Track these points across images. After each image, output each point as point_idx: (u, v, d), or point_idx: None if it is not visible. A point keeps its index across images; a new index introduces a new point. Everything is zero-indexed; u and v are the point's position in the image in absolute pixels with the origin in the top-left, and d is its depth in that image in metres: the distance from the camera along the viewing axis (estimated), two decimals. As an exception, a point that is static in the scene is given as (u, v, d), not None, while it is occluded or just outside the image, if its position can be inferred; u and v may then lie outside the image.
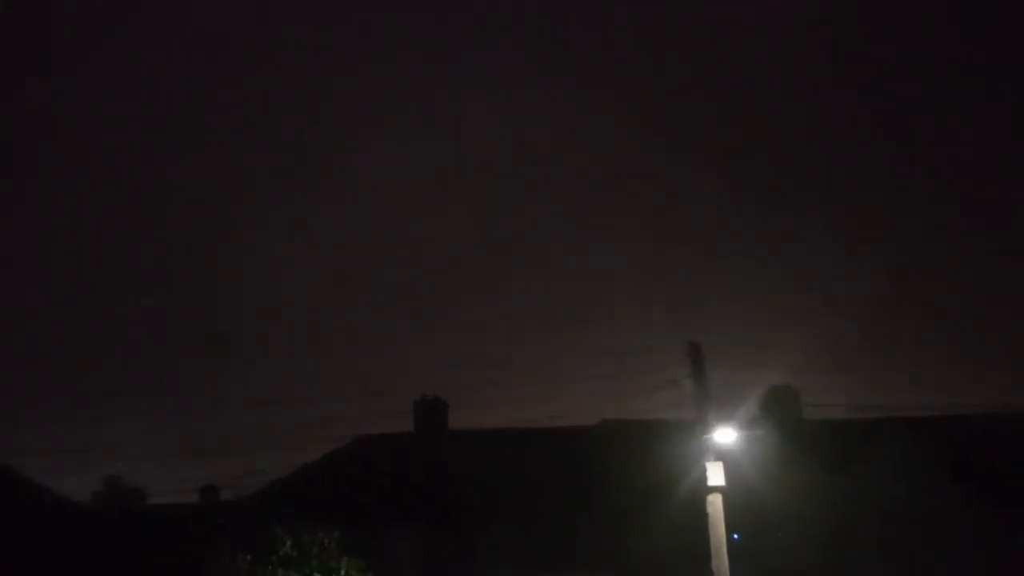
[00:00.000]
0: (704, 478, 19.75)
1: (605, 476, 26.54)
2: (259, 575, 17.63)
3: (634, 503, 25.65)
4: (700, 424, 20.02)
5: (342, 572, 18.12)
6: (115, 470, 31.35)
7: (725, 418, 20.36)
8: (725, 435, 20.08)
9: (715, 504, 19.69)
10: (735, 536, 21.00)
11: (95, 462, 28.90)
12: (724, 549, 19.58)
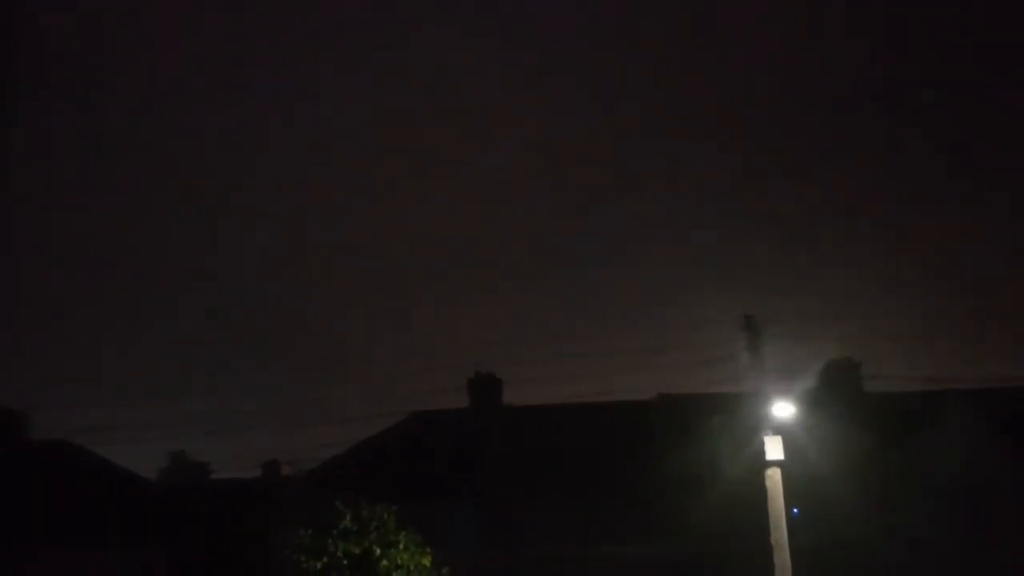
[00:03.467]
0: (762, 452, 19.66)
1: (661, 450, 26.46)
2: (319, 549, 17.93)
3: (691, 477, 25.55)
4: (757, 398, 19.89)
5: (401, 546, 18.34)
6: (181, 445, 32.01)
7: (783, 392, 20.21)
8: (783, 409, 19.94)
9: (773, 478, 19.60)
10: (794, 510, 20.86)
11: (163, 439, 29.58)
12: (783, 523, 19.50)
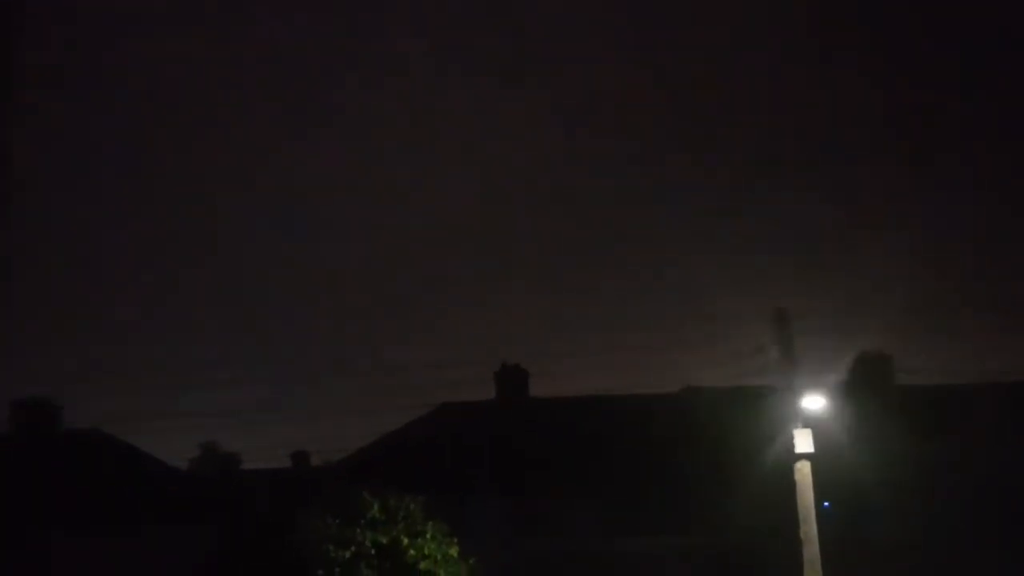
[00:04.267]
0: (791, 445, 19.50)
1: (689, 443, 26.33)
2: (347, 539, 18.02)
3: (719, 470, 25.40)
4: (787, 390, 19.73)
5: (428, 536, 18.39)
6: (211, 436, 32.28)
7: (813, 384, 20.03)
8: (813, 401, 19.77)
9: (803, 471, 19.44)
10: (825, 504, 20.69)
11: (193, 429, 29.83)
12: (813, 516, 19.33)
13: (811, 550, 19.28)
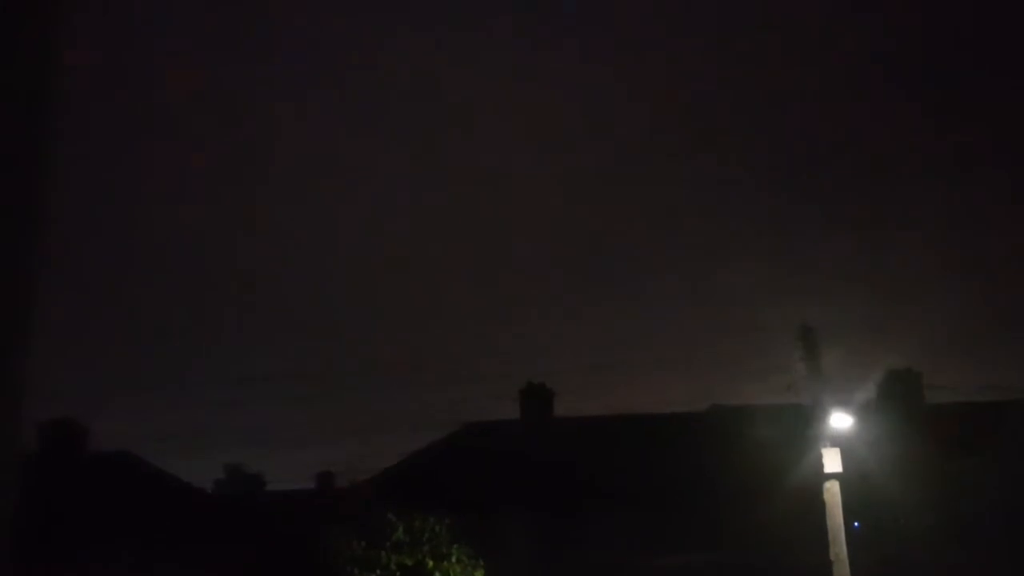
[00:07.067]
0: (820, 464, 19.30)
1: (716, 462, 26.10)
2: (372, 561, 17.97)
3: (747, 490, 25.15)
4: (814, 409, 19.54)
5: (453, 558, 18.32)
6: (236, 457, 32.45)
7: (841, 403, 19.84)
8: (841, 420, 19.57)
9: (832, 491, 19.23)
10: (855, 524, 20.42)
11: (217, 448, 30.01)
12: (842, 536, 19.11)
13: (841, 571, 19.04)
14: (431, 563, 18.04)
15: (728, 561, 24.62)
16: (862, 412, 21.15)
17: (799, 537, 21.47)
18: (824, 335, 20.49)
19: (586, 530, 26.03)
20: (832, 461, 19.29)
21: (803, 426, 20.02)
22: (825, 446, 19.34)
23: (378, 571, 17.89)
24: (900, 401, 27.81)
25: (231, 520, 27.36)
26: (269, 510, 28.48)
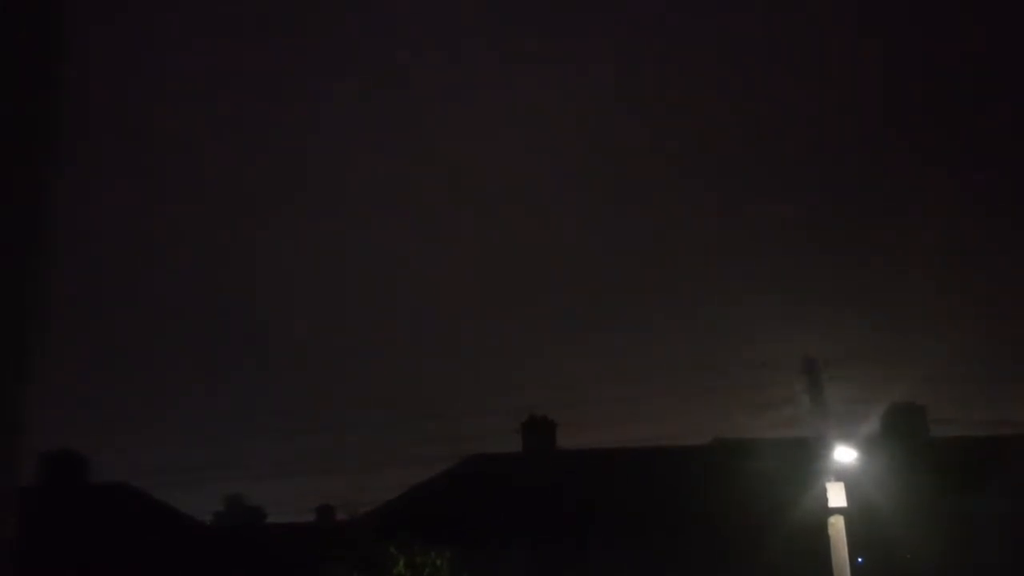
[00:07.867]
0: (824, 498, 19.18)
1: (719, 496, 25.93)
2: (373, 594, 17.83)
3: (750, 523, 24.98)
4: (818, 443, 19.46)
5: (454, 592, 18.18)
6: (236, 489, 32.27)
7: (845, 436, 19.75)
8: (845, 454, 19.48)
9: (836, 526, 19.09)
10: (859, 560, 20.25)
11: (217, 481, 29.86)
12: (847, 571, 18.94)
13: (846, 607, 18.85)
14: (432, 597, 17.90)
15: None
16: (866, 446, 21.05)
17: (803, 572, 21.29)
18: (827, 368, 20.44)
19: (588, 563, 25.83)
20: (836, 496, 19.17)
21: (807, 460, 19.92)
22: (829, 480, 19.23)
23: (379, 605, 17.74)
24: (904, 435, 27.68)
25: (231, 552, 27.19)
26: (269, 542, 28.30)
